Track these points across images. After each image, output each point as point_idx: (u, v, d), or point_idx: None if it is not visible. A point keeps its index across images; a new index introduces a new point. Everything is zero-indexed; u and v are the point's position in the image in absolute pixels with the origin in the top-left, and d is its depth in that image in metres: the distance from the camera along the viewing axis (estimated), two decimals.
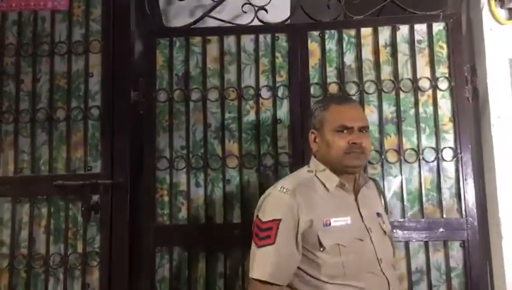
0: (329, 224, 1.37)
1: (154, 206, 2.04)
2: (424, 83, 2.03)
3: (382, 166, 1.99)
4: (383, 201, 1.63)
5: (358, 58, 2.07)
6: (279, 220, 1.35)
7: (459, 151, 1.97)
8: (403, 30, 2.07)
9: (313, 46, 2.10)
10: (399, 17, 2.08)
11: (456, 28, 2.04)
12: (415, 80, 2.03)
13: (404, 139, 2.00)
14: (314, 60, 2.10)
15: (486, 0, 1.98)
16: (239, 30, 2.12)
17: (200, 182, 2.06)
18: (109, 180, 1.99)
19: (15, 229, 2.02)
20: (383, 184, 1.96)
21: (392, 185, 1.99)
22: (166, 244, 2.03)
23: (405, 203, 1.97)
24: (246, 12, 2.11)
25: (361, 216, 1.44)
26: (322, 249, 1.35)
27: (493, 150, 1.92)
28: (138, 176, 2.06)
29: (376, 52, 2.07)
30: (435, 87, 2.02)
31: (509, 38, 1.96)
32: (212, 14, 2.16)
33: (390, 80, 2.04)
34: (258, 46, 2.12)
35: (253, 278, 1.35)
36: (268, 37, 2.13)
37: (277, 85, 2.09)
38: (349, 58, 2.09)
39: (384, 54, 2.07)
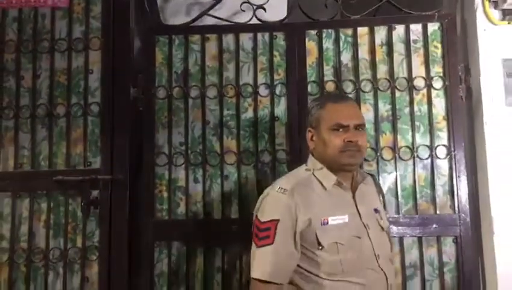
0: (327, 223, 1.39)
1: (153, 202, 2.07)
2: (419, 82, 2.06)
3: (377, 163, 2.03)
4: (381, 196, 1.65)
5: (355, 57, 2.10)
6: (278, 220, 1.37)
7: (452, 149, 2.00)
8: (399, 30, 2.10)
9: (311, 45, 2.13)
10: (395, 17, 2.11)
11: (451, 28, 2.07)
12: (410, 79, 2.06)
13: (399, 137, 2.03)
14: (311, 59, 2.12)
15: (480, 1, 2.01)
16: (237, 28, 2.14)
17: (199, 178, 2.09)
18: (109, 175, 2.01)
19: (15, 224, 2.03)
20: (378, 181, 1.99)
21: (387, 181, 2.02)
22: (165, 239, 2.05)
23: (399, 199, 2.00)
24: (244, 11, 2.13)
25: (359, 213, 1.45)
26: (320, 247, 1.37)
27: (486, 148, 1.95)
28: (137, 172, 2.08)
29: (372, 51, 2.10)
30: (429, 86, 2.05)
31: (503, 38, 1.99)
32: (210, 12, 2.17)
33: (386, 78, 2.07)
34: (256, 45, 2.14)
35: (253, 278, 1.37)
36: (267, 35, 2.15)
37: (275, 83, 2.11)
38: (346, 57, 2.11)
39: (380, 53, 2.10)
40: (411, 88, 2.06)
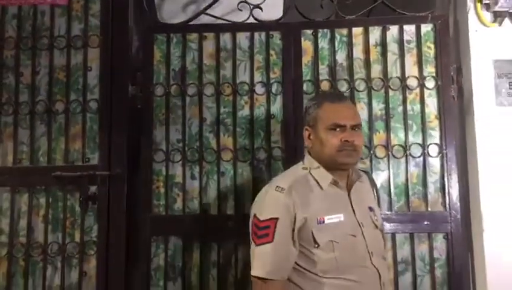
0: (323, 222, 1.41)
1: (151, 198, 2.09)
2: (412, 82, 2.09)
3: (371, 161, 2.06)
4: (375, 192, 1.67)
5: (350, 56, 2.13)
6: (277, 218, 1.38)
7: (444, 147, 2.04)
8: (393, 30, 2.13)
9: (306, 44, 2.16)
10: (389, 17, 2.14)
11: (443, 30, 2.10)
12: (403, 79, 2.09)
13: (392, 136, 2.07)
14: (307, 58, 2.15)
15: (472, 3, 2.04)
16: (234, 27, 2.17)
17: (195, 175, 2.11)
18: (106, 171, 2.03)
19: (14, 219, 2.05)
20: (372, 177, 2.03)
21: (379, 179, 2.05)
22: (161, 234, 2.07)
23: (392, 196, 2.03)
24: (241, 11, 2.15)
25: (354, 212, 1.47)
26: (316, 245, 1.39)
27: (476, 147, 1.99)
28: (135, 168, 2.10)
29: (367, 51, 2.13)
30: (422, 86, 2.08)
31: (494, 40, 2.02)
32: (208, 11, 2.19)
33: (379, 78, 2.10)
34: (253, 44, 2.17)
35: (254, 276, 1.38)
36: (263, 34, 2.17)
37: (271, 81, 2.14)
38: (340, 57, 2.14)
39: (375, 53, 2.13)
40: (404, 87, 2.09)
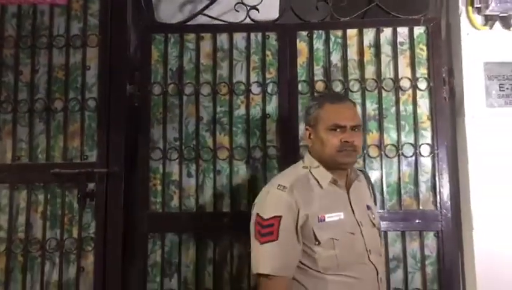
0: (324, 220, 1.44)
1: (148, 195, 2.11)
2: (405, 83, 2.12)
3: (364, 160, 2.09)
4: (371, 190, 1.71)
5: (344, 57, 2.16)
6: (280, 216, 1.41)
7: (435, 147, 2.07)
8: (386, 32, 2.16)
9: (302, 45, 2.19)
10: (383, 20, 2.16)
11: (436, 32, 2.13)
12: (396, 80, 2.12)
13: (385, 135, 2.10)
14: (302, 59, 2.18)
15: (464, 6, 2.07)
16: (231, 28, 2.19)
17: (192, 173, 2.13)
18: (104, 169, 2.05)
19: (12, 215, 2.07)
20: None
21: (372, 178, 2.06)
22: (158, 231, 2.09)
23: (384, 195, 2.07)
24: (238, 12, 2.18)
25: (353, 211, 1.51)
26: (317, 243, 1.42)
27: (467, 147, 2.02)
28: (132, 166, 2.12)
29: (361, 52, 2.16)
30: (414, 87, 2.11)
31: (485, 42, 2.06)
32: (205, 12, 2.21)
33: (373, 79, 2.14)
34: (249, 44, 2.19)
35: (261, 274, 1.40)
36: (259, 35, 2.20)
37: (267, 81, 2.16)
38: (335, 58, 2.17)
39: (368, 55, 2.16)
40: (397, 88, 2.12)
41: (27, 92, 2.14)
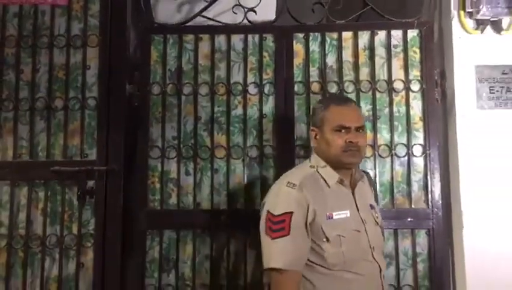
0: (332, 217, 1.50)
1: (146, 192, 2.14)
2: (398, 85, 2.16)
3: None
4: (373, 191, 1.77)
5: (339, 59, 2.19)
6: (291, 213, 1.46)
7: (427, 148, 2.11)
8: (381, 35, 2.20)
9: (298, 47, 2.22)
10: (377, 23, 2.20)
11: (429, 35, 2.17)
12: (390, 82, 2.16)
13: (378, 136, 2.14)
14: (298, 60, 2.21)
15: (456, 11, 2.11)
16: (229, 29, 2.23)
17: (190, 171, 2.16)
18: (104, 167, 2.08)
19: (13, 211, 2.10)
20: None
21: None
22: (156, 228, 2.12)
23: (378, 194, 2.10)
24: (236, 14, 2.21)
25: (358, 209, 1.57)
26: (325, 239, 1.47)
27: (458, 148, 2.06)
28: (131, 164, 2.15)
29: (355, 54, 2.19)
30: (407, 89, 2.15)
31: (476, 46, 2.10)
32: (204, 13, 2.24)
33: (367, 80, 2.17)
34: (247, 45, 2.22)
35: (273, 268, 1.44)
36: (257, 37, 2.23)
37: (263, 82, 2.20)
38: (330, 60, 2.20)
39: (363, 57, 2.20)
40: (391, 90, 2.16)
41: (28, 90, 2.17)
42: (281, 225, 1.46)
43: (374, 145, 2.14)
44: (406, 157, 2.13)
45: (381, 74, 2.19)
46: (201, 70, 2.22)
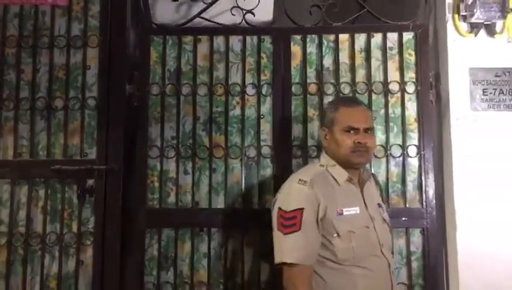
0: (342, 213, 1.56)
1: (145, 191, 2.16)
2: (394, 86, 2.19)
3: None
4: (380, 192, 1.83)
5: (336, 61, 2.22)
6: (302, 209, 1.51)
7: (422, 148, 2.14)
8: (377, 37, 2.23)
9: (295, 49, 2.25)
10: (373, 25, 2.23)
11: (424, 38, 2.20)
12: (385, 83, 2.19)
13: None
14: (295, 62, 2.24)
15: (450, 14, 2.14)
16: (228, 31, 2.25)
17: (188, 170, 2.18)
18: (104, 166, 2.09)
19: (14, 209, 2.11)
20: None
21: None
22: (155, 226, 2.14)
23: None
24: (234, 15, 2.24)
25: (366, 207, 1.62)
26: (336, 235, 1.52)
27: (452, 148, 2.10)
28: (131, 163, 2.16)
29: (352, 56, 2.22)
30: (403, 91, 2.18)
31: (470, 49, 2.13)
32: (202, 15, 2.27)
33: (363, 82, 2.20)
34: (245, 47, 2.25)
35: (285, 262, 1.49)
36: (255, 38, 2.25)
37: (261, 83, 2.22)
38: (327, 61, 2.23)
39: (359, 59, 2.22)
40: (386, 92, 2.19)
41: (28, 90, 2.18)
42: (292, 221, 1.51)
43: None
44: (401, 158, 2.16)
45: (377, 75, 2.22)
46: (200, 71, 2.24)
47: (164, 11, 2.44)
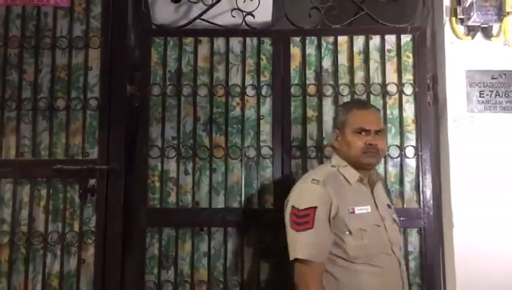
0: (354, 212, 1.60)
1: (146, 191, 2.18)
2: (392, 88, 2.22)
3: None
4: (388, 194, 1.87)
5: (335, 63, 2.24)
6: (315, 207, 1.56)
7: (419, 149, 2.17)
8: (375, 40, 2.26)
9: (295, 51, 2.27)
10: (372, 28, 2.25)
11: (421, 40, 2.23)
12: (384, 85, 2.21)
13: None
14: (295, 63, 2.26)
15: (448, 17, 2.17)
16: (228, 33, 2.28)
17: (189, 170, 2.20)
18: (105, 165, 2.11)
19: (16, 209, 2.12)
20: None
21: None
22: (156, 226, 2.16)
23: None
24: (234, 17, 2.26)
25: (377, 206, 1.67)
26: (348, 232, 1.56)
27: (449, 149, 2.12)
28: (132, 163, 2.18)
29: (350, 58, 2.25)
30: (401, 92, 2.21)
31: (467, 51, 2.15)
32: (203, 16, 2.29)
33: (362, 83, 2.23)
34: (245, 48, 2.27)
35: (298, 258, 1.53)
36: (255, 40, 2.28)
37: (261, 84, 2.25)
38: (326, 63, 2.26)
39: (358, 60, 2.25)
40: (384, 93, 2.21)
41: (31, 90, 2.19)
42: (305, 219, 1.55)
43: None
44: (399, 159, 2.18)
45: (376, 77, 2.24)
46: (201, 72, 2.26)
47: (165, 13, 2.47)
